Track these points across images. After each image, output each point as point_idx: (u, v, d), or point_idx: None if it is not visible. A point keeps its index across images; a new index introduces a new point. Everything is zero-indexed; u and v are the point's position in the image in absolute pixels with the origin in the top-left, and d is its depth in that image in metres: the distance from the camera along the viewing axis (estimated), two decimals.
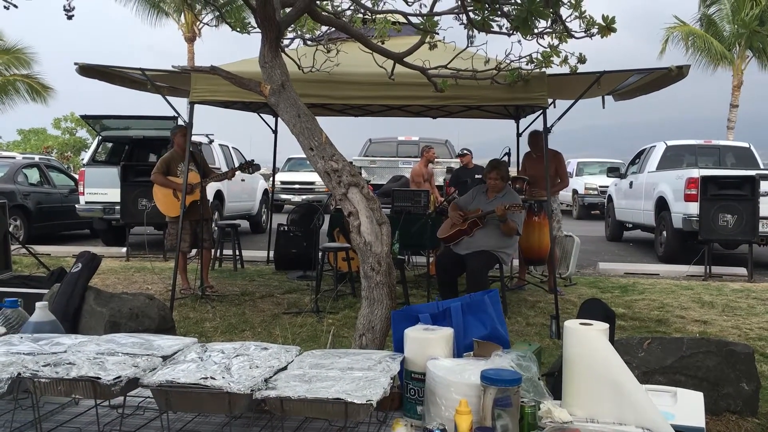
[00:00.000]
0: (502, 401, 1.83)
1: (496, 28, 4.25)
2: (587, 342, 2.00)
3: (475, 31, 4.53)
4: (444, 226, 6.53)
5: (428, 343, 2.14)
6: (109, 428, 1.95)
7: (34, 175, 12.80)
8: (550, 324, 5.56)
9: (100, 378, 1.80)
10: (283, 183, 18.99)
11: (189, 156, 6.49)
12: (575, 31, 4.38)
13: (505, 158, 7.72)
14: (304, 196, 18.39)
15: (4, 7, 3.80)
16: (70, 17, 4.05)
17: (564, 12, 4.26)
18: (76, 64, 6.24)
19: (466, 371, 1.98)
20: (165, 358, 2.05)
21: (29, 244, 8.75)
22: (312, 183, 19.04)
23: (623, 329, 5.69)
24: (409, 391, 2.14)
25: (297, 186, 19.21)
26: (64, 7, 3.95)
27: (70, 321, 4.01)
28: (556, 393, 2.19)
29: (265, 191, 14.76)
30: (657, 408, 1.95)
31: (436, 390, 1.97)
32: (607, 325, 2.11)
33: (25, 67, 26.91)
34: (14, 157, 18.68)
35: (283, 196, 18.75)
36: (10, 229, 6.05)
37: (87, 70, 6.31)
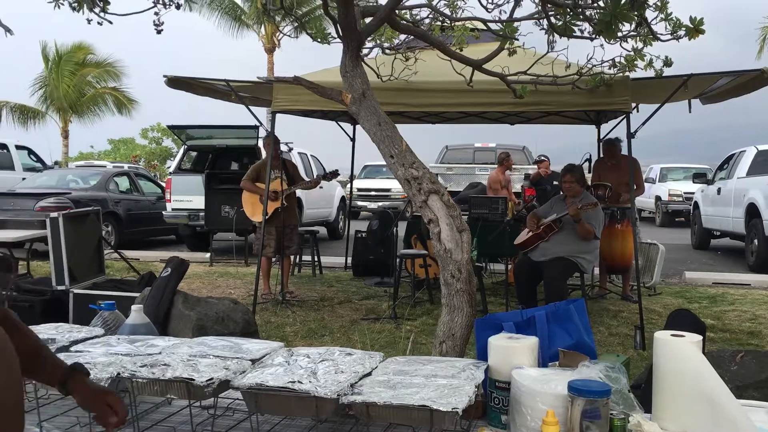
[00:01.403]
0: (590, 413, 1.79)
1: (578, 33, 4.18)
2: (680, 354, 1.93)
3: (556, 36, 4.47)
4: (521, 233, 6.47)
5: (513, 352, 2.12)
6: (201, 428, 2.02)
7: (124, 183, 13.39)
8: (634, 334, 5.40)
9: (193, 379, 1.87)
10: (359, 190, 19.18)
11: (271, 163, 6.66)
12: (661, 34, 4.26)
13: (585, 164, 7.56)
14: (380, 203, 18.51)
15: (98, 23, 3.97)
16: (159, 32, 4.22)
17: (649, 14, 4.15)
18: (165, 76, 6.50)
19: (552, 381, 1.95)
20: (253, 361, 2.11)
21: (120, 250, 9.14)
22: (388, 190, 19.15)
23: (713, 341, 5.46)
24: (493, 399, 2.12)
25: (373, 193, 19.36)
26: (154, 22, 4.11)
27: (160, 324, 4.17)
28: (645, 406, 2.12)
29: (343, 198, 14.95)
30: (754, 425, 1.87)
31: (521, 399, 1.95)
32: (700, 337, 2.03)
33: (115, 79, 28.25)
34: (105, 166, 19.62)
35: (360, 203, 18.92)
36: (103, 234, 6.34)
37: (175, 82, 6.57)
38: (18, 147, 14.68)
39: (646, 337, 5.34)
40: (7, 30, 4.11)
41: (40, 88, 27.30)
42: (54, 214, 5.47)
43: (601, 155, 7.73)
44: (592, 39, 4.25)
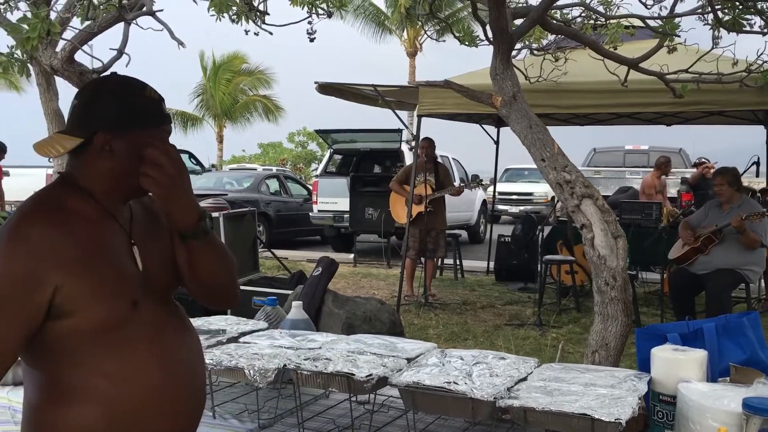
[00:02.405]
0: None
1: (748, 27, 3.91)
2: None
3: (722, 32, 4.20)
4: (676, 246, 6.10)
5: (679, 365, 2.01)
6: (359, 422, 2.08)
7: (273, 185, 14.06)
8: None
9: (354, 374, 1.94)
10: (500, 194, 18.95)
11: (420, 167, 6.76)
12: None
13: (753, 168, 7.03)
14: (521, 207, 18.19)
15: (255, 33, 4.19)
16: (312, 40, 4.39)
17: None
18: (316, 83, 6.78)
19: (724, 397, 1.83)
20: (408, 360, 2.15)
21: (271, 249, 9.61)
22: (530, 194, 18.78)
23: None
24: (656, 413, 2.03)
25: (515, 197, 19.05)
26: (307, 30, 4.28)
27: (312, 320, 4.34)
28: None
29: (484, 201, 14.83)
30: None
31: (689, 415, 1.85)
32: None
33: (266, 87, 29.74)
34: (256, 169, 20.72)
35: (501, 207, 18.69)
36: (257, 234, 6.71)
37: (325, 88, 6.84)
38: (180, 151, 15.81)
39: None
40: (180, 43, 4.44)
41: (197, 95, 29.28)
42: (215, 215, 5.84)
43: None
44: (763, 34, 3.96)
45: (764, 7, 3.67)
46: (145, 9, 4.09)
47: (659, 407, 2.02)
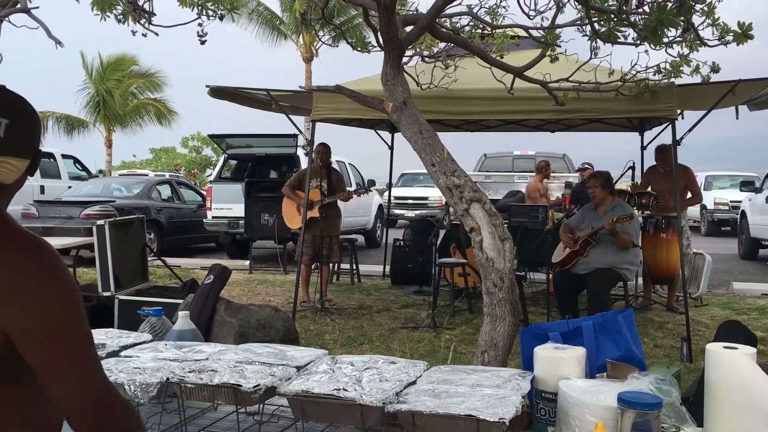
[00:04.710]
0: (641, 426, 1.76)
1: (623, 39, 4.13)
2: (734, 367, 1.88)
3: (599, 42, 4.42)
4: (557, 249, 6.38)
5: (560, 363, 2.09)
6: None
7: (165, 192, 13.61)
8: (680, 346, 5.28)
9: (241, 385, 1.89)
10: (396, 198, 19.17)
11: (314, 172, 6.72)
12: (708, 39, 4.18)
13: (629, 172, 7.44)
14: (417, 211, 18.47)
15: (143, 34, 4.05)
16: (203, 42, 4.29)
17: (696, 20, 4.08)
18: (207, 86, 6.60)
19: (601, 393, 1.92)
20: (298, 368, 2.12)
21: (161, 257, 9.29)
22: (425, 198, 19.10)
23: (763, 354, 5.32)
24: (539, 411, 2.09)
25: (410, 201, 19.32)
26: (198, 33, 4.17)
27: (203, 330, 4.21)
28: (695, 419, 2.07)
29: (380, 206, 14.96)
30: None
31: (569, 411, 1.92)
32: (754, 349, 1.98)
33: (158, 90, 28.75)
34: (147, 175, 19.99)
35: (397, 211, 18.90)
36: (146, 242, 6.45)
37: (217, 92, 6.67)
38: (64, 156, 15.05)
39: (693, 349, 5.22)
40: (58, 42, 4.22)
41: (85, 98, 27.94)
42: (100, 222, 5.58)
43: (652, 162, 7.57)
44: (636, 45, 4.18)
45: (637, 20, 3.88)
46: (19, 6, 3.85)
47: (542, 404, 2.09)
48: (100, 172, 21.74)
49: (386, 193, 13.76)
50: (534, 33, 4.74)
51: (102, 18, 3.89)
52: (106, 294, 5.45)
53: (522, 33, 5.12)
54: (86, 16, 3.85)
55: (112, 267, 5.47)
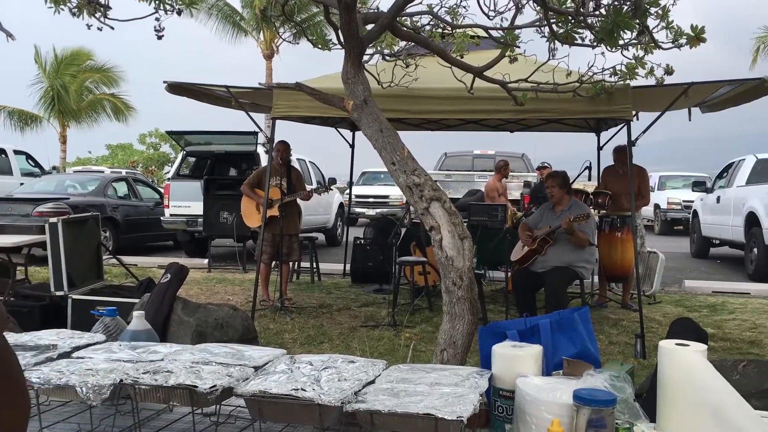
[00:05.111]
0: (596, 422, 1.79)
1: (580, 41, 4.19)
2: (685, 363, 1.93)
3: (557, 44, 4.47)
4: (516, 248, 6.45)
5: (517, 360, 2.11)
6: None
7: (122, 189, 13.36)
8: (634, 343, 5.39)
9: (197, 386, 1.86)
10: (357, 196, 19.16)
11: (274, 170, 6.67)
12: (662, 42, 4.27)
13: (586, 172, 7.55)
14: (378, 210, 18.50)
15: (98, 28, 3.97)
16: (159, 37, 4.22)
17: (651, 23, 4.15)
18: (165, 82, 6.49)
19: (557, 390, 1.94)
20: (256, 368, 2.10)
21: (117, 255, 9.12)
22: (386, 196, 19.13)
23: (713, 350, 5.45)
24: (497, 408, 2.11)
25: (371, 200, 19.34)
26: (155, 27, 4.10)
27: (160, 330, 4.14)
28: (647, 415, 2.11)
29: (341, 204, 14.93)
30: None
31: (526, 408, 1.94)
32: (704, 346, 2.03)
33: (114, 85, 28.20)
34: (103, 172, 19.61)
35: (358, 210, 18.90)
36: (101, 240, 6.31)
37: (175, 88, 6.56)
38: (16, 152, 14.66)
39: (647, 345, 5.33)
40: (9, 35, 4.10)
41: (38, 93, 27.26)
42: (53, 220, 5.45)
43: (609, 163, 7.70)
44: (593, 47, 4.24)
45: (594, 22, 3.94)
46: None
47: (499, 402, 2.11)
48: (54, 168, 21.25)
49: (347, 192, 13.73)
50: (494, 33, 4.78)
51: (56, 11, 3.80)
52: (58, 293, 5.32)
53: (482, 33, 5.15)
54: (40, 9, 3.75)
55: (65, 266, 5.35)
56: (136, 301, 4.61)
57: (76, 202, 11.36)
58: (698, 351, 1.95)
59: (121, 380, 1.89)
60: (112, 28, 4.04)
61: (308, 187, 7.80)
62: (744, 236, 10.63)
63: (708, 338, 3.27)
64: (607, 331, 6.23)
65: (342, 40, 4.00)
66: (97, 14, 3.91)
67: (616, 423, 1.86)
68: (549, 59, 4.69)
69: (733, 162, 12.31)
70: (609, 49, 4.10)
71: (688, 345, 1.99)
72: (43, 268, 7.09)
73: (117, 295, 5.41)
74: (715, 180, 13.11)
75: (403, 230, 8.60)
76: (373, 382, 2.06)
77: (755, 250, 10.17)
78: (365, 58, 5.38)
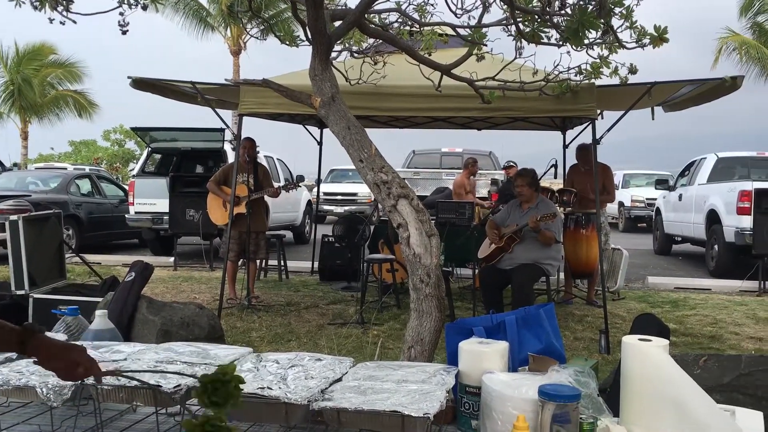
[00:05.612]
0: (560, 417, 1.80)
1: (546, 40, 4.22)
2: (647, 358, 1.95)
3: (524, 43, 4.51)
4: (483, 245, 6.50)
5: (483, 357, 2.12)
6: None
7: (85, 186, 13.14)
8: (599, 339, 5.47)
9: (160, 386, 1.83)
10: (325, 194, 19.12)
11: (241, 167, 6.62)
12: (627, 42, 4.33)
13: (552, 170, 7.64)
14: (346, 207, 18.47)
15: (60, 23, 3.89)
16: (124, 32, 4.15)
17: (615, 22, 4.21)
18: (129, 77, 6.40)
19: (522, 386, 1.95)
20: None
21: (81, 254, 8.96)
22: (354, 194, 19.12)
23: (675, 345, 5.56)
24: (463, 405, 2.12)
25: (339, 197, 19.31)
26: (119, 22, 4.04)
27: (124, 329, 4.08)
28: (611, 410, 2.14)
29: (309, 202, 14.88)
30: (734, 425, 1.88)
31: (492, 405, 1.95)
32: (666, 341, 2.06)
33: (78, 81, 27.71)
34: (66, 168, 19.24)
35: (326, 207, 18.85)
36: (64, 238, 6.19)
37: (140, 84, 6.47)
38: None
39: (611, 341, 5.41)
40: None
41: None
42: (13, 217, 5.33)
43: (573, 161, 7.80)
44: (559, 46, 4.28)
45: (559, 21, 3.98)
46: None
47: (466, 399, 2.11)
48: (15, 165, 20.81)
49: (315, 189, 13.68)
50: (461, 31, 4.80)
51: (17, 4, 3.71)
52: (19, 292, 5.21)
53: (449, 31, 5.17)
54: (1, 3, 3.66)
55: (26, 264, 5.24)
56: (100, 300, 4.53)
57: (37, 199, 11.14)
58: (660, 346, 1.98)
59: (83, 380, 1.85)
60: (75, 22, 3.96)
61: (276, 184, 7.75)
62: (705, 233, 10.86)
63: (670, 333, 3.34)
64: (572, 327, 6.31)
65: (309, 36, 3.98)
66: (59, 8, 3.83)
67: (581, 417, 1.88)
68: (515, 58, 4.73)
69: (695, 160, 12.56)
70: (574, 48, 4.14)
71: (650, 340, 2.02)
72: (4, 267, 6.94)
73: (80, 294, 5.32)
74: (677, 178, 13.36)
75: (372, 228, 8.61)
76: (340, 380, 2.05)
77: (716, 247, 10.40)
78: (333, 54, 5.37)
